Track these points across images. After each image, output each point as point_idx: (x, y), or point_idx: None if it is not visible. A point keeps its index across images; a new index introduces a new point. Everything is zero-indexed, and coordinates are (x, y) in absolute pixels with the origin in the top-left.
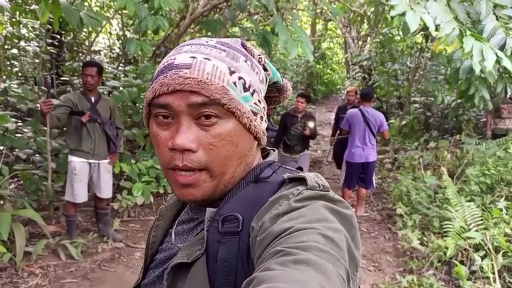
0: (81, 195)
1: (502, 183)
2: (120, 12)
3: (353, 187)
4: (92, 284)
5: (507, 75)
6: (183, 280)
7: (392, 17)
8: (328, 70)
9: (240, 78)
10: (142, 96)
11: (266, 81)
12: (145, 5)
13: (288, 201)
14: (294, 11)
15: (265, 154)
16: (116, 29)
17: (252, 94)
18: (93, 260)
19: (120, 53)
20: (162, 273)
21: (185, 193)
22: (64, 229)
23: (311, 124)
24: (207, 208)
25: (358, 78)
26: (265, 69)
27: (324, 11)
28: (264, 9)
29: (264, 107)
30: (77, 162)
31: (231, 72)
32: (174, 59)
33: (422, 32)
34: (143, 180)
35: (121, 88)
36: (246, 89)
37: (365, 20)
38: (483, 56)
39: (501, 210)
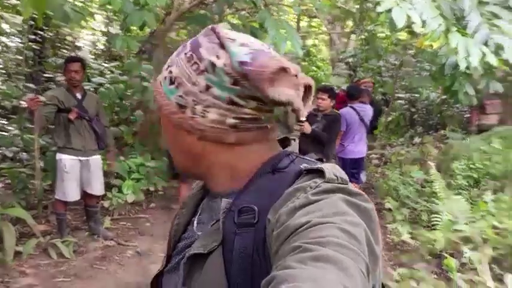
0: (72, 193)
1: (487, 176)
2: (104, 7)
3: None
4: (84, 282)
5: (489, 71)
6: (200, 270)
7: (378, 13)
8: (314, 67)
9: (170, 72)
10: (129, 93)
11: (224, 67)
12: (131, 0)
13: (305, 194)
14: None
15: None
16: (99, 25)
17: (177, 87)
18: (85, 258)
19: (104, 49)
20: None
21: None
22: (54, 228)
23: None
24: (223, 199)
25: (345, 75)
26: None
27: (309, 8)
28: (252, 5)
29: (199, 100)
30: (67, 160)
31: (167, 67)
32: None
33: (407, 29)
34: (133, 177)
35: (107, 85)
36: (171, 82)
37: (350, 17)
38: (468, 52)
39: (487, 203)
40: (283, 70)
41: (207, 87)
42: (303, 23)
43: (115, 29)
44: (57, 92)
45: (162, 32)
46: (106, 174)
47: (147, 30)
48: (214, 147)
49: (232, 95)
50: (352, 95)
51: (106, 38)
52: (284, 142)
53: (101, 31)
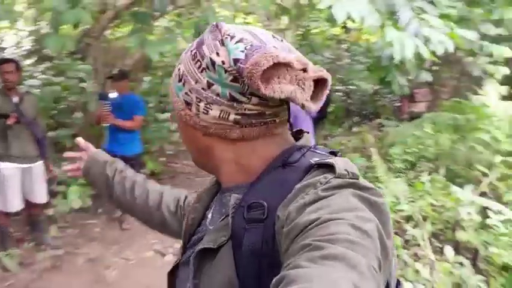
0: (14, 203)
1: (422, 159)
2: (33, 4)
3: None
4: None
5: (420, 62)
6: (210, 264)
7: (320, 10)
8: None
9: (179, 69)
10: (65, 95)
11: (223, 64)
12: None
13: (315, 190)
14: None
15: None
16: (24, 24)
17: (184, 84)
18: (33, 270)
19: (32, 49)
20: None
21: None
22: None
23: None
24: (232, 194)
25: None
26: None
27: (244, 4)
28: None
29: (202, 97)
30: (5, 168)
31: (178, 65)
32: None
33: (341, 24)
34: (78, 183)
35: (39, 88)
36: (180, 80)
37: (286, 14)
38: (403, 45)
39: (424, 183)
40: (284, 65)
41: (209, 85)
42: (238, 20)
43: (44, 28)
44: None
45: (98, 31)
46: (48, 181)
47: (79, 29)
48: (219, 142)
49: (233, 92)
50: None
51: (34, 37)
52: (297, 135)
53: (28, 31)
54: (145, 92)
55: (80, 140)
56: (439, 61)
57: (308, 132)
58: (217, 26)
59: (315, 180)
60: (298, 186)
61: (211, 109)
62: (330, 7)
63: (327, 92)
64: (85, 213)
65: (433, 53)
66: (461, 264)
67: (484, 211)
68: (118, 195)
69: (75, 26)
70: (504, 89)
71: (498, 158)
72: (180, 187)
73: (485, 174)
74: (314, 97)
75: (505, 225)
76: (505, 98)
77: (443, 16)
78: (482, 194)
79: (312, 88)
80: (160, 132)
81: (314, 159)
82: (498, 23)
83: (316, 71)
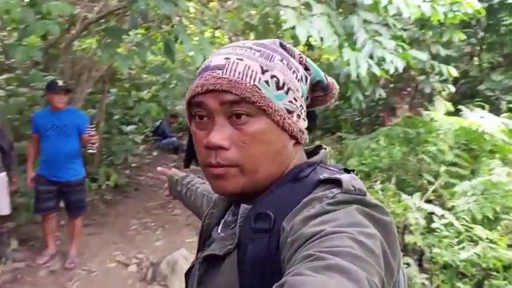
0: None
1: (376, 170)
2: None
3: None
4: None
5: (375, 79)
6: (216, 271)
7: (284, 30)
8: None
9: (272, 76)
10: (27, 108)
11: (306, 80)
12: (31, 10)
13: (320, 203)
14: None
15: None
16: None
17: (287, 92)
18: None
19: None
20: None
21: (218, 184)
22: None
23: None
24: (241, 204)
25: None
26: (307, 69)
27: (213, 20)
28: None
29: (301, 105)
30: None
31: (264, 71)
32: (211, 61)
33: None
34: None
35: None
36: (279, 88)
37: (253, 30)
38: (358, 64)
39: (377, 191)
40: None
41: (302, 94)
42: (207, 34)
43: (7, 38)
44: None
45: (67, 43)
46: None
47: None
48: (298, 149)
49: (304, 104)
50: None
51: None
52: (316, 150)
53: None
54: (111, 104)
55: (159, 169)
56: (392, 79)
57: (326, 149)
58: (285, 46)
59: (322, 194)
60: (305, 200)
61: (303, 116)
62: (293, 27)
63: None
64: None
65: (386, 71)
66: (408, 264)
67: (429, 216)
68: (186, 202)
69: (43, 37)
70: (450, 105)
71: (443, 168)
72: (144, 199)
73: (431, 183)
74: None
75: (447, 228)
76: (451, 113)
77: (396, 37)
78: (429, 201)
79: None
80: (125, 144)
81: (323, 175)
82: (447, 44)
83: None
